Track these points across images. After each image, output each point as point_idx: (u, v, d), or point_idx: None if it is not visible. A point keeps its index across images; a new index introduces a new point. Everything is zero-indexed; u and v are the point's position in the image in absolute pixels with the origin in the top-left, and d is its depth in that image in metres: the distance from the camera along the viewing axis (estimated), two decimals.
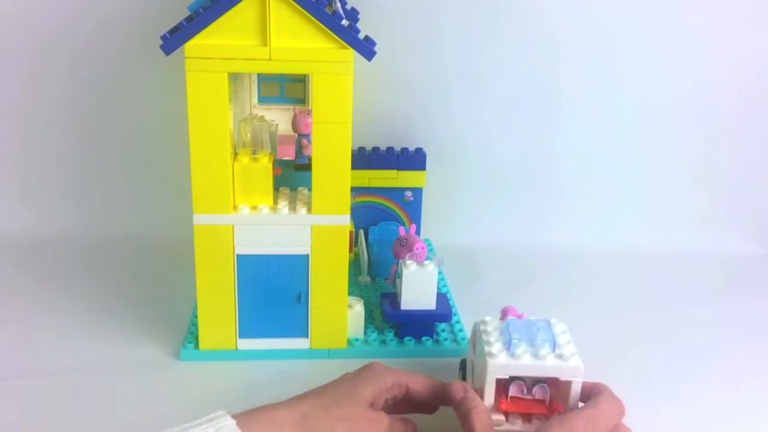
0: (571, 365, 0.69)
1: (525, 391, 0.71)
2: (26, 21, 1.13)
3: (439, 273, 1.02)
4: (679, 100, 1.21)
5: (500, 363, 0.70)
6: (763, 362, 0.94)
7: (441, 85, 1.17)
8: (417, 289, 0.90)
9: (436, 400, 0.73)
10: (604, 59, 1.18)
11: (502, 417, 0.71)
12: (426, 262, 0.92)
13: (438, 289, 0.93)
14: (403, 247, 0.94)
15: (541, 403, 0.71)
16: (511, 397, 0.71)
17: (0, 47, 1.14)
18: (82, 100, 1.17)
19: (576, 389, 0.69)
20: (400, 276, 0.92)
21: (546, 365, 0.69)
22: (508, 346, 0.71)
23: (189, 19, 0.78)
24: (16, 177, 1.21)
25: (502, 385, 0.71)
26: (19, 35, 1.13)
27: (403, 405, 0.74)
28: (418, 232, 1.10)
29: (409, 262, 0.91)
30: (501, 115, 1.20)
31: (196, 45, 0.78)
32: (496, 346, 0.71)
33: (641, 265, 1.19)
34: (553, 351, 0.70)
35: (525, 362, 0.69)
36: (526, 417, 0.71)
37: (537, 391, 0.70)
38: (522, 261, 1.18)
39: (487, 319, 0.77)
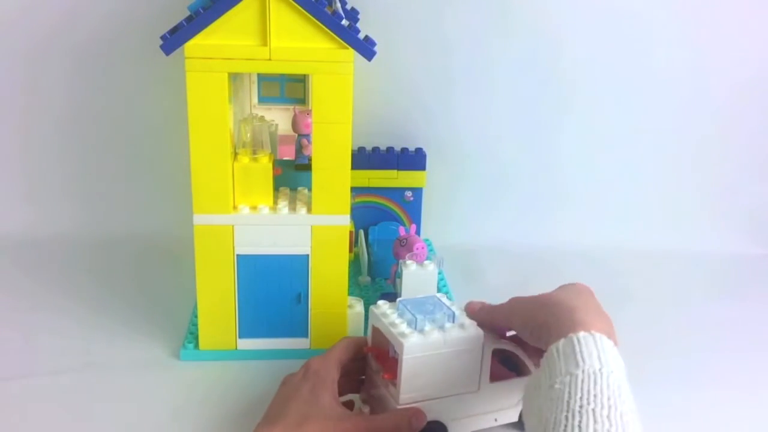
0: (400, 341, 0.71)
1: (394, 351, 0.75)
2: (27, 21, 1.12)
3: (439, 273, 1.02)
4: (678, 100, 1.21)
5: (374, 312, 0.77)
6: (763, 362, 0.94)
7: (441, 84, 1.17)
8: (417, 289, 0.90)
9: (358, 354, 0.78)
10: (606, 59, 1.17)
11: (373, 364, 0.77)
12: (426, 262, 0.92)
13: (438, 289, 0.93)
14: (403, 247, 0.94)
15: (393, 366, 0.74)
16: (391, 355, 0.75)
17: (1, 47, 1.14)
18: (82, 101, 1.17)
19: (400, 365, 0.71)
20: (400, 276, 0.92)
21: (391, 331, 0.73)
22: (397, 307, 0.76)
23: (189, 19, 0.78)
24: (16, 177, 1.21)
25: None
26: (19, 35, 1.13)
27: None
28: (418, 232, 1.10)
29: (409, 262, 0.91)
30: (501, 114, 1.20)
31: (196, 45, 0.78)
32: (388, 305, 0.77)
33: (641, 265, 1.19)
34: (414, 327, 0.73)
35: (386, 320, 0.74)
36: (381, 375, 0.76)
37: (396, 354, 0.74)
38: (522, 261, 1.18)
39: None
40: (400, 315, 0.75)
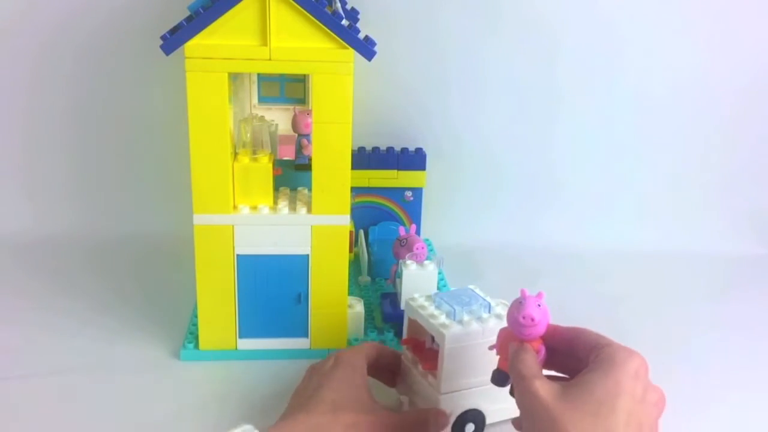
0: (441, 332, 0.73)
1: (432, 342, 0.77)
2: (28, 21, 1.13)
3: (439, 273, 1.02)
4: (678, 100, 1.21)
5: (411, 305, 0.78)
6: (764, 362, 0.94)
7: (441, 84, 1.17)
8: (417, 289, 0.90)
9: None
10: (604, 58, 1.18)
11: (410, 355, 0.79)
12: (426, 262, 0.92)
13: (438, 289, 0.93)
14: (403, 247, 0.94)
15: (433, 357, 0.75)
16: (428, 347, 0.77)
17: (2, 47, 1.14)
18: (83, 100, 1.17)
19: (441, 355, 0.73)
20: (400, 276, 0.92)
21: (431, 323, 0.74)
22: (433, 299, 0.78)
23: (189, 19, 0.78)
24: (17, 177, 1.21)
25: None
26: (20, 35, 1.13)
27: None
28: (418, 232, 1.10)
29: (409, 262, 0.91)
30: (501, 114, 1.20)
31: (196, 45, 0.78)
32: (424, 298, 0.79)
33: (641, 265, 1.19)
34: (453, 318, 0.75)
35: (424, 312, 0.76)
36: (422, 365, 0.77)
37: (435, 345, 0.76)
38: (522, 261, 1.18)
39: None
40: (438, 307, 0.76)
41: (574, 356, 0.63)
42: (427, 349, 0.77)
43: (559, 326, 0.65)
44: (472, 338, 0.74)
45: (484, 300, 0.77)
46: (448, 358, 0.73)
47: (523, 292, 0.65)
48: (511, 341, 0.65)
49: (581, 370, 0.60)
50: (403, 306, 0.91)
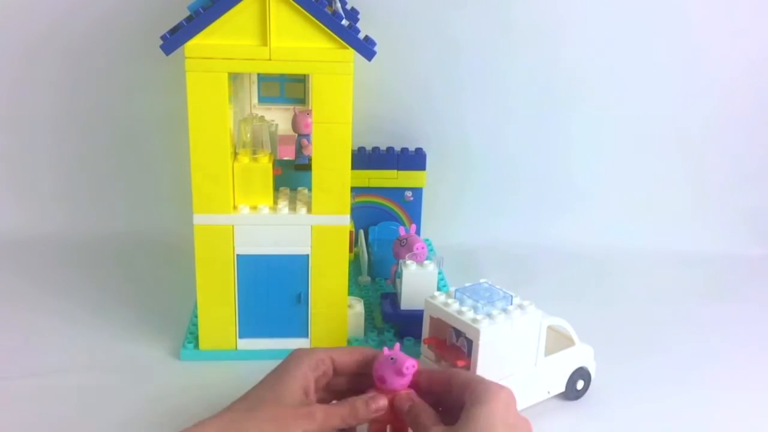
0: (474, 327, 0.74)
1: (455, 340, 0.78)
2: (23, 19, 1.12)
3: (439, 273, 1.02)
4: (679, 100, 1.21)
5: (432, 303, 0.79)
6: (763, 362, 0.94)
7: (441, 84, 1.17)
8: (417, 289, 0.90)
9: (365, 367, 0.72)
10: (609, 60, 1.17)
11: (432, 354, 0.80)
12: (426, 262, 0.92)
13: (438, 289, 0.93)
14: (403, 247, 0.94)
15: (461, 354, 0.77)
16: (449, 344, 0.79)
17: None
18: (81, 100, 1.17)
19: (475, 351, 0.74)
20: (400, 276, 0.92)
21: (460, 319, 0.76)
22: (454, 295, 0.79)
23: (189, 19, 0.78)
24: (13, 176, 1.21)
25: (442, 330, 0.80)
26: (15, 33, 1.13)
27: (337, 386, 0.73)
28: (418, 232, 1.10)
29: (409, 262, 0.91)
30: (501, 114, 1.20)
31: (196, 45, 0.78)
32: (443, 295, 0.80)
33: (642, 265, 1.19)
34: (481, 313, 0.76)
35: (449, 309, 0.77)
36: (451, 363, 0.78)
37: (461, 342, 0.77)
38: (522, 261, 1.18)
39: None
40: (462, 303, 0.77)
41: (449, 394, 0.68)
42: (448, 346, 0.78)
43: (433, 370, 0.70)
44: (502, 331, 0.75)
45: (505, 293, 0.78)
46: (483, 353, 0.74)
47: (396, 347, 0.69)
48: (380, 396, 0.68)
49: (455, 406, 0.66)
50: (403, 306, 0.91)
